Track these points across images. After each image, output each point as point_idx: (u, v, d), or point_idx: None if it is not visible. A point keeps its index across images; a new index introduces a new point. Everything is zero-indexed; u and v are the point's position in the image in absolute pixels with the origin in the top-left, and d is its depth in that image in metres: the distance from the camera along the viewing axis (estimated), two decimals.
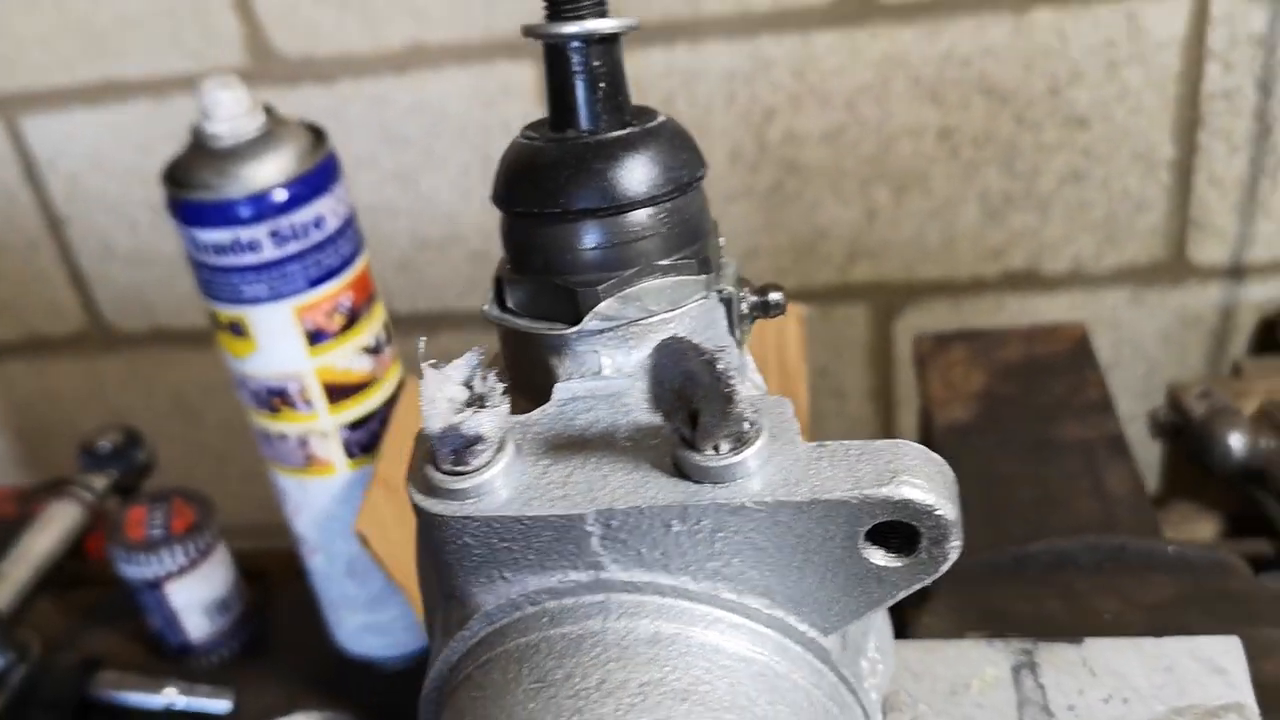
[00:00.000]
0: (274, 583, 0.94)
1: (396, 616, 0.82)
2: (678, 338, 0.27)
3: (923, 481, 0.27)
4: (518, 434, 0.31)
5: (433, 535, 0.30)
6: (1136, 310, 1.12)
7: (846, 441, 0.29)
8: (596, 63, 0.32)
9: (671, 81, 1.08)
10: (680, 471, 0.28)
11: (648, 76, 1.08)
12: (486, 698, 0.28)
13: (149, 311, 1.31)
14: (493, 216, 1.07)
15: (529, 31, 0.33)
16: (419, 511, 0.29)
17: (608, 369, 0.32)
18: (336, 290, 0.73)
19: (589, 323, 0.32)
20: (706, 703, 0.26)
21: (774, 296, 0.36)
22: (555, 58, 0.33)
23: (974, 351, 0.85)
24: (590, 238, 0.32)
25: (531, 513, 0.28)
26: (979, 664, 0.43)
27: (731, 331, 0.35)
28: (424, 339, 0.31)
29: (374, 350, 0.76)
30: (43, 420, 1.41)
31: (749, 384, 0.34)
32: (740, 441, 0.28)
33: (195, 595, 0.86)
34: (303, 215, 0.70)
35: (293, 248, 0.70)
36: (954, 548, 0.27)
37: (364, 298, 0.75)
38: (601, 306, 0.32)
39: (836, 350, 1.18)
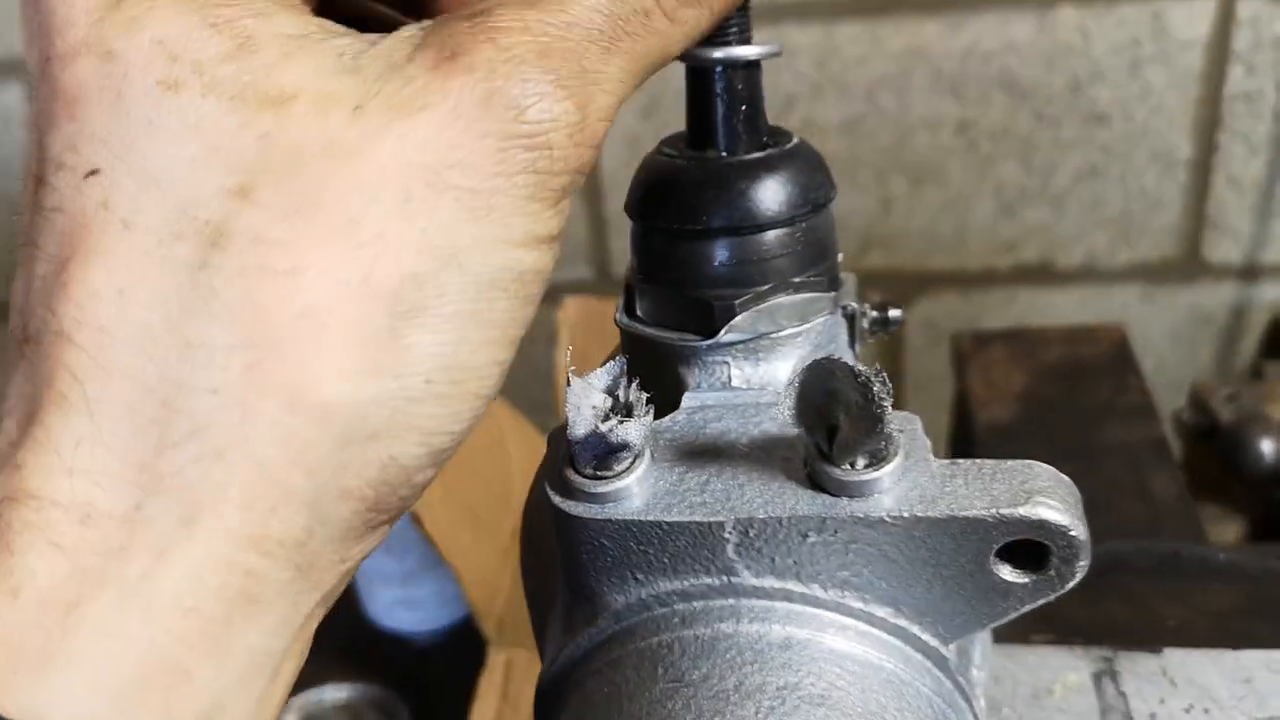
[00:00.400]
0: None
1: (431, 592, 0.82)
2: (829, 358, 0.27)
3: (1057, 503, 0.28)
4: (651, 439, 0.31)
5: (567, 536, 0.30)
6: (1148, 307, 1.13)
7: (978, 460, 0.29)
8: (739, 86, 0.33)
9: None
10: (816, 484, 0.29)
11: (673, 64, 1.08)
12: (620, 693, 0.29)
13: None
14: None
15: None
16: (557, 513, 0.29)
17: (737, 380, 0.33)
18: None
19: (724, 336, 0.33)
20: (841, 708, 0.27)
21: (893, 313, 0.37)
22: (699, 79, 0.33)
23: (1014, 351, 0.86)
24: (728, 254, 0.33)
25: (671, 519, 0.29)
26: (1060, 670, 0.44)
27: (851, 346, 0.36)
28: (570, 348, 0.31)
29: None
30: None
31: (883, 378, 0.34)
32: (877, 458, 0.28)
33: None
34: None
35: None
36: (1082, 566, 0.28)
37: None
38: (736, 321, 0.33)
39: None
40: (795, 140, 0.35)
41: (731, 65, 0.33)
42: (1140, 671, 0.46)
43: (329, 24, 0.26)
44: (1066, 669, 0.45)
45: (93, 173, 0.25)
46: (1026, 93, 1.05)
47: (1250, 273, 1.10)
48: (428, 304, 0.24)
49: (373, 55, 0.25)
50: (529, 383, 1.17)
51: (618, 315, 0.35)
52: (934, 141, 1.09)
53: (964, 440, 0.84)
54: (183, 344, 0.24)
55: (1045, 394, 0.80)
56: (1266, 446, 0.77)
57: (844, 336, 0.35)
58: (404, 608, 0.84)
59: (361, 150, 0.24)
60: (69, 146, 0.25)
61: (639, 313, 0.35)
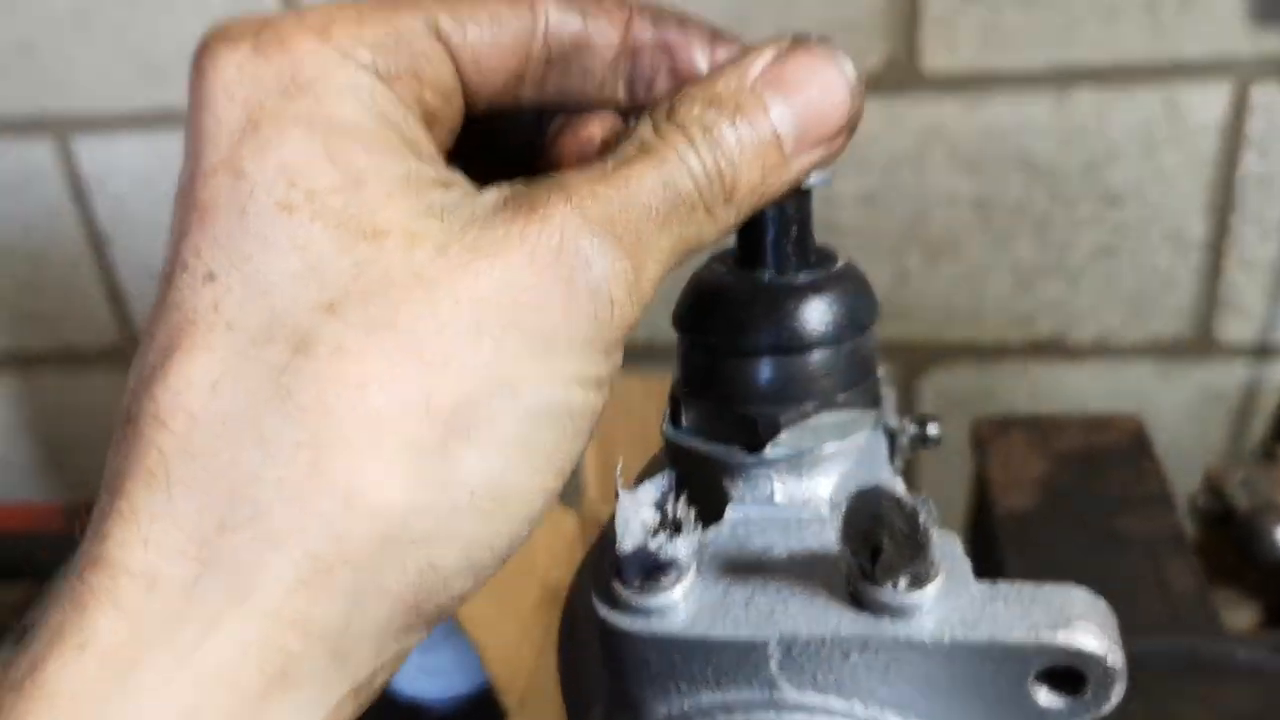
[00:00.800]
0: None
1: (451, 659, 0.83)
2: (877, 487, 0.28)
3: (1095, 629, 0.29)
4: (700, 549, 0.32)
5: (612, 647, 0.31)
6: (1161, 384, 1.15)
7: (1016, 584, 0.30)
8: (791, 211, 0.34)
9: None
10: (858, 602, 0.30)
11: None
12: None
13: None
14: None
15: None
16: (602, 625, 0.30)
17: (780, 495, 0.34)
18: None
19: (769, 453, 0.34)
20: None
21: (931, 430, 0.38)
22: None
23: (1033, 438, 0.87)
24: (774, 373, 0.34)
25: (716, 635, 0.30)
26: None
27: (891, 460, 0.37)
28: (621, 461, 0.33)
29: None
30: (69, 430, 1.41)
31: (929, 505, 0.35)
32: (920, 579, 0.29)
33: None
34: None
35: None
36: (1118, 691, 0.29)
37: None
38: (780, 437, 0.34)
39: None
40: (842, 262, 0.36)
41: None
42: None
43: (434, 171, 0.29)
44: None
45: (209, 276, 0.27)
46: (1043, 171, 1.07)
47: (1262, 353, 1.11)
48: (480, 426, 0.27)
49: (464, 205, 0.28)
50: None
51: (664, 426, 0.36)
52: (951, 216, 1.10)
53: (983, 526, 0.85)
54: (257, 436, 0.27)
55: (1063, 482, 0.81)
56: None
57: (884, 452, 0.36)
58: (424, 675, 0.84)
59: (440, 282, 0.26)
60: (194, 251, 0.28)
61: (684, 424, 0.36)
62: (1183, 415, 1.16)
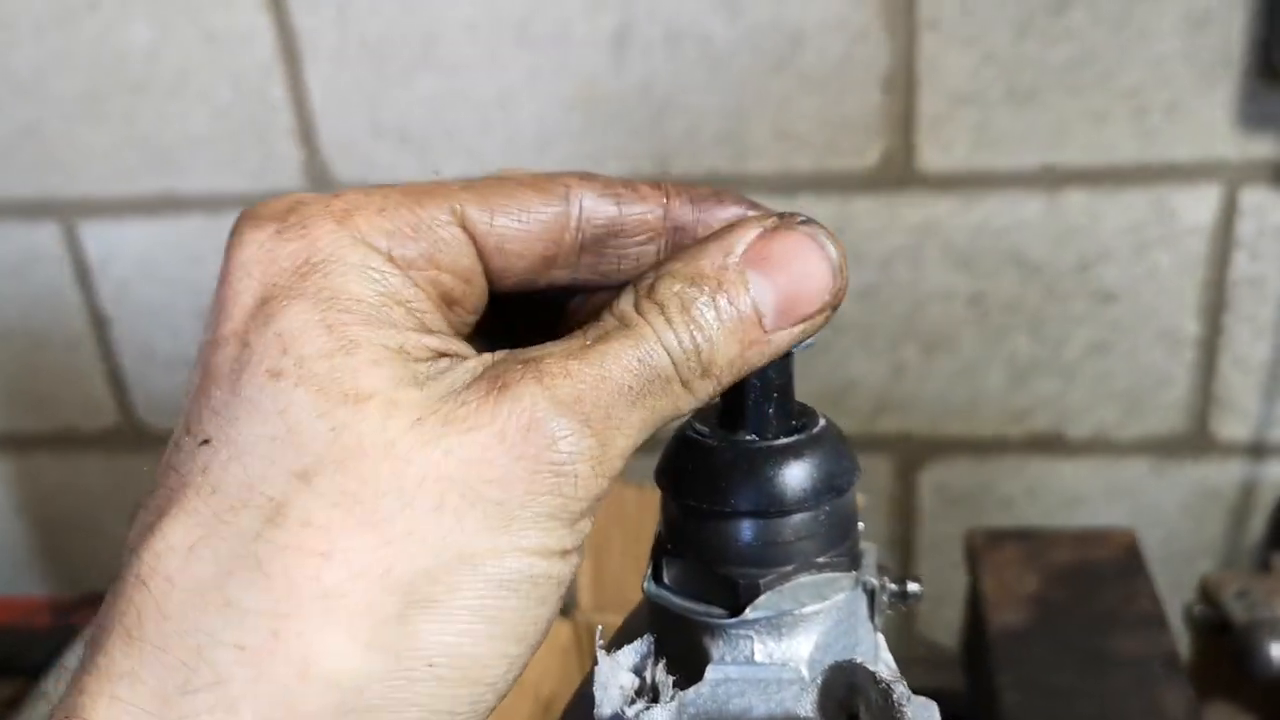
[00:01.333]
0: None
1: None
2: (854, 662, 0.29)
3: None
4: (678, 714, 0.32)
5: None
6: (1157, 481, 1.15)
7: None
8: (772, 375, 0.35)
9: None
10: None
11: None
12: None
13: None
14: None
15: None
16: None
17: (760, 655, 0.34)
18: None
19: (748, 614, 0.34)
20: None
21: (912, 588, 0.38)
22: None
23: (1027, 551, 0.87)
24: (754, 535, 0.35)
25: None
26: None
27: (871, 618, 0.37)
28: (601, 626, 0.33)
29: None
30: (65, 514, 1.41)
31: (884, 666, 0.36)
32: None
33: None
34: None
35: None
36: None
37: None
38: (760, 599, 0.35)
39: None
40: (822, 423, 0.36)
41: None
42: None
43: (437, 342, 0.30)
44: None
45: (205, 441, 0.29)
46: (1036, 268, 1.08)
47: (1258, 451, 1.11)
48: (438, 597, 0.28)
49: (447, 376, 0.29)
50: None
51: (645, 584, 0.37)
52: (947, 311, 1.11)
53: (977, 642, 0.85)
54: (224, 602, 0.28)
55: (1056, 599, 0.82)
56: (1277, 651, 0.78)
57: (863, 610, 0.37)
58: None
59: (410, 455, 0.27)
60: (197, 416, 0.29)
61: (666, 580, 0.36)
62: (1179, 513, 1.16)
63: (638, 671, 0.31)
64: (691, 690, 0.33)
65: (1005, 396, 1.15)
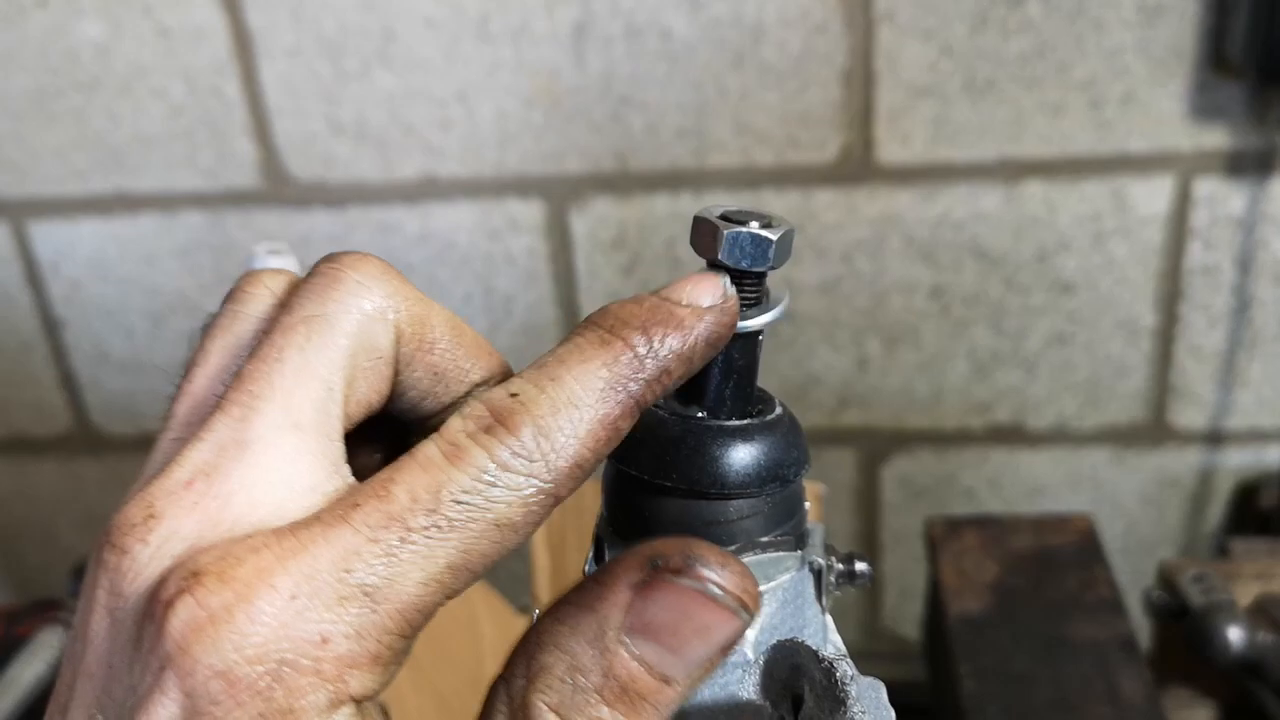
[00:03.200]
0: None
1: None
2: (795, 640, 0.30)
3: None
4: None
5: None
6: (1118, 470, 1.19)
7: None
8: (736, 355, 0.35)
9: (675, 226, 1.15)
10: None
11: (652, 220, 1.14)
12: None
13: (137, 418, 1.34)
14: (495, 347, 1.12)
15: None
16: None
17: None
18: None
19: None
20: None
21: (860, 567, 0.39)
22: None
23: (985, 539, 0.91)
24: (695, 515, 0.35)
25: None
26: None
27: (819, 599, 0.38)
28: (537, 610, 0.34)
29: None
30: (17, 519, 1.42)
31: (832, 646, 0.37)
32: None
33: None
34: None
35: None
36: None
37: None
38: None
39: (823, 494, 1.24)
40: (778, 411, 0.36)
41: (736, 334, 0.34)
42: None
43: None
44: None
45: None
46: (996, 260, 1.12)
47: (1215, 438, 1.16)
48: None
49: None
50: (506, 562, 1.20)
51: (587, 566, 0.37)
52: (908, 304, 1.15)
53: (937, 630, 0.88)
54: None
55: (1015, 585, 0.85)
56: (1233, 635, 0.81)
57: (811, 591, 0.37)
58: None
59: None
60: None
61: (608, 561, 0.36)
62: (1139, 501, 1.20)
63: None
64: None
65: (967, 389, 1.18)
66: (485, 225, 1.18)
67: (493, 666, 0.85)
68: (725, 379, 0.35)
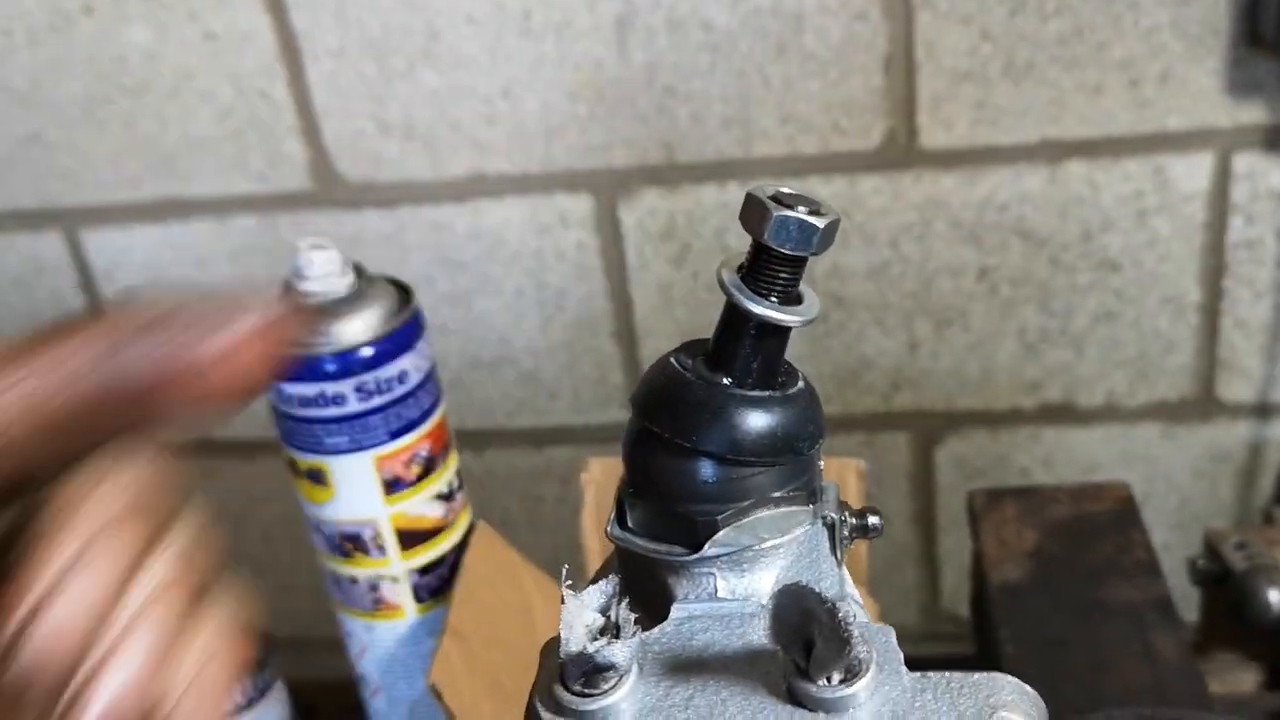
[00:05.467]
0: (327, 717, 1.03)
1: None
2: (800, 584, 0.34)
3: (1020, 716, 0.34)
4: (640, 652, 0.36)
5: None
6: (1168, 445, 1.27)
7: (946, 674, 0.35)
8: (768, 340, 0.39)
9: (723, 216, 1.23)
10: (794, 698, 0.34)
11: (701, 211, 1.23)
12: None
13: None
14: (541, 339, 1.27)
15: (721, 282, 0.39)
16: None
17: (723, 590, 0.39)
18: (415, 441, 0.85)
19: (708, 550, 0.39)
20: None
21: (872, 520, 0.43)
22: (734, 315, 0.39)
23: (1025, 509, 0.99)
24: (713, 474, 0.39)
25: None
26: None
27: (834, 552, 0.42)
28: (566, 566, 0.40)
29: (447, 497, 0.88)
30: None
31: (850, 601, 0.40)
32: (851, 673, 0.34)
33: None
34: (388, 371, 0.82)
35: (376, 401, 0.82)
36: None
37: (440, 447, 0.87)
38: (719, 535, 0.39)
39: (879, 477, 1.32)
40: (800, 384, 0.41)
41: (768, 324, 0.38)
42: None
43: None
44: None
45: None
46: (1042, 240, 1.20)
47: (1263, 411, 1.23)
48: None
49: None
50: (558, 549, 1.28)
51: (609, 527, 0.41)
52: (956, 286, 1.23)
53: (980, 601, 0.96)
54: None
55: (1054, 552, 0.93)
56: (1274, 596, 0.89)
57: (825, 545, 0.41)
58: None
59: None
60: None
61: (630, 524, 0.40)
62: (1190, 476, 1.28)
63: (603, 611, 0.35)
64: (657, 629, 0.37)
65: (1017, 368, 1.26)
66: (535, 220, 1.26)
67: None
68: (753, 357, 0.39)
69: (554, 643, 0.35)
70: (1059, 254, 1.21)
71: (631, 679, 0.35)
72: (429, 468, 0.85)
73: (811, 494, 0.41)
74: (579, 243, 1.27)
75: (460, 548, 0.89)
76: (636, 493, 0.40)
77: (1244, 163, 1.15)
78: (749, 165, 1.22)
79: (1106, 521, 0.95)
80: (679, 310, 1.28)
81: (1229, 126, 1.14)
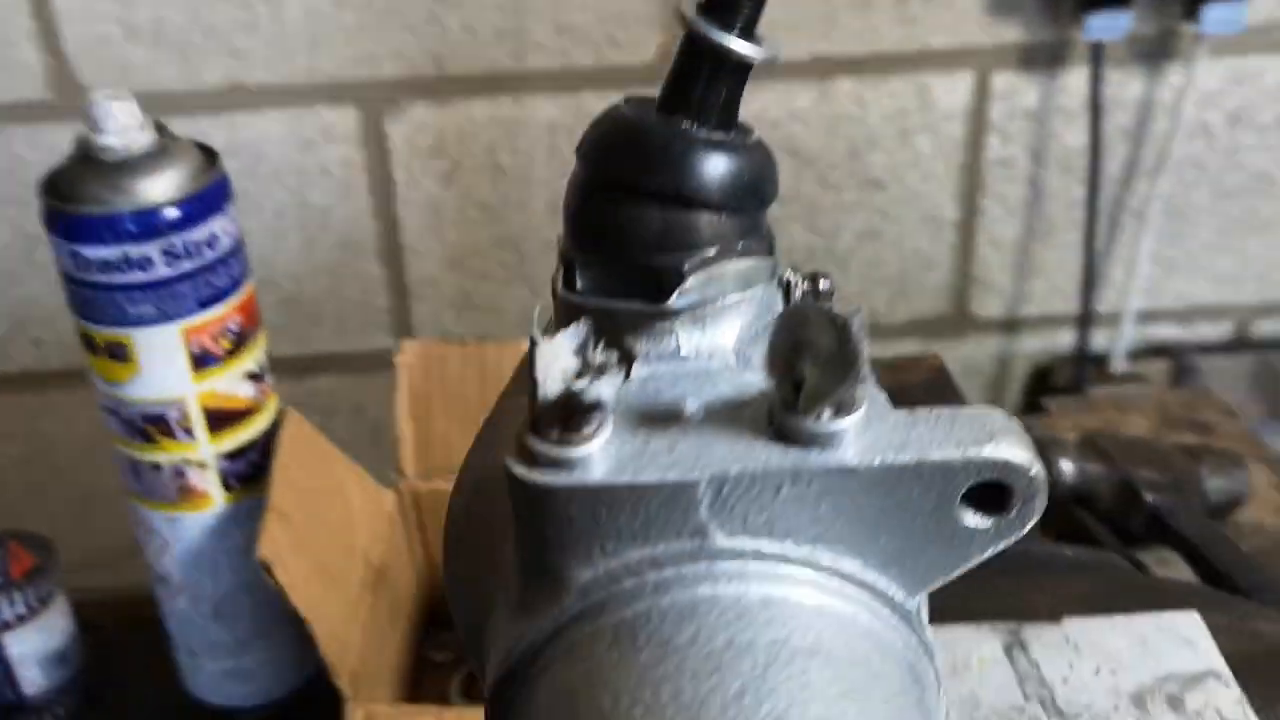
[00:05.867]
0: (111, 634, 0.91)
1: (263, 661, 0.83)
2: (804, 304, 0.30)
3: (1017, 442, 0.31)
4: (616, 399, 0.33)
5: (530, 511, 0.31)
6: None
7: (934, 408, 0.32)
8: (729, 79, 0.35)
9: (495, 132, 1.14)
10: (783, 436, 0.31)
11: (472, 126, 1.13)
12: (602, 666, 0.30)
13: None
14: (303, 261, 1.13)
15: (680, 17, 0.35)
16: (519, 488, 0.30)
17: (685, 348, 0.35)
18: (226, 313, 0.76)
19: (677, 301, 0.35)
20: (833, 658, 0.29)
21: (824, 284, 0.38)
22: (694, 48, 0.35)
23: None
24: (679, 220, 0.35)
25: (644, 480, 0.30)
26: (973, 645, 0.50)
27: None
28: (539, 306, 0.35)
29: (257, 377, 0.80)
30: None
31: (862, 314, 0.37)
32: (844, 407, 0.31)
33: (33, 647, 0.84)
34: (196, 233, 0.73)
35: (185, 266, 0.73)
36: (1040, 506, 0.33)
37: (251, 322, 0.78)
38: (687, 283, 0.35)
39: None
40: (757, 135, 0.37)
41: (733, 57, 0.34)
42: (1046, 641, 0.53)
43: None
44: (980, 643, 0.51)
45: None
46: (811, 158, 1.16)
47: (1011, 326, 1.23)
48: None
49: None
50: (364, 435, 1.17)
51: (558, 289, 0.37)
52: None
53: None
54: None
55: None
56: (1065, 466, 0.87)
57: (780, 306, 0.37)
58: (233, 680, 0.83)
59: None
60: None
61: (579, 286, 0.36)
62: None
63: (578, 354, 0.32)
64: (620, 385, 0.33)
65: None
66: (296, 135, 1.15)
67: (365, 538, 0.84)
68: (715, 93, 0.35)
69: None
70: (826, 172, 1.18)
71: (608, 428, 0.31)
72: (239, 343, 0.76)
73: (770, 246, 0.37)
74: (343, 159, 1.16)
75: (270, 433, 0.80)
76: (581, 245, 0.36)
77: (1002, 81, 1.14)
78: (522, 78, 1.13)
79: (922, 388, 0.92)
80: (449, 231, 1.18)
81: (989, 45, 1.13)
